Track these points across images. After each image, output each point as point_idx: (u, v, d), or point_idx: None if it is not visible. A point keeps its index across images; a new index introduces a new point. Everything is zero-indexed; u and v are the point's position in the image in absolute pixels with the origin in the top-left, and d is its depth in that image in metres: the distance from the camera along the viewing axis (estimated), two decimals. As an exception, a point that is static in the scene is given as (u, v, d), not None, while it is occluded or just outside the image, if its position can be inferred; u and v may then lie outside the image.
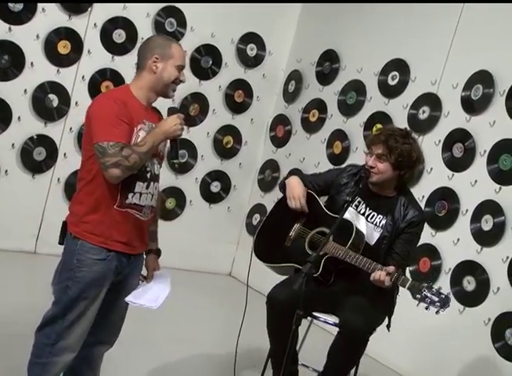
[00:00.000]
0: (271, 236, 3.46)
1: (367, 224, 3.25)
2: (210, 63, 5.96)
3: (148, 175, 2.69)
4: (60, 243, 2.72)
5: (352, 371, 3.32)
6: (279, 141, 6.21)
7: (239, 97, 6.16)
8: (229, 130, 6.18)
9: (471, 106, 4.60)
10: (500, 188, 4.32)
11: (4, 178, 5.26)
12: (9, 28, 5.07)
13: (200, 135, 6.03)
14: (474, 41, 4.66)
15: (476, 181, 4.47)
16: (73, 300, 2.63)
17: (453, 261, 4.50)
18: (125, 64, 5.36)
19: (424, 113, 4.92)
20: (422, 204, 4.61)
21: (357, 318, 3.05)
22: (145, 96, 2.72)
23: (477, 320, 4.28)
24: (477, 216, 4.41)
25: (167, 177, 5.56)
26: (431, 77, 4.89)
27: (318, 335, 3.77)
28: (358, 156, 4.91)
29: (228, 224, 6.32)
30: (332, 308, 3.25)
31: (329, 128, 5.70)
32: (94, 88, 5.36)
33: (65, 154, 5.40)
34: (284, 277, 3.40)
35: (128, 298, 2.78)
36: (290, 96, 6.19)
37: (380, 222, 3.24)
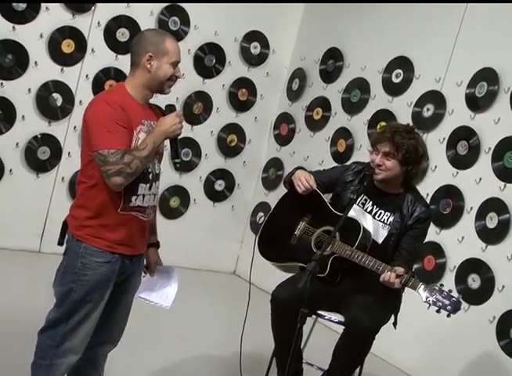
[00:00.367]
0: (275, 233, 3.43)
1: (374, 222, 3.24)
2: (214, 61, 5.95)
3: (150, 176, 2.67)
4: (60, 244, 2.70)
5: (357, 370, 3.32)
6: (283, 139, 6.20)
7: (242, 95, 6.16)
8: (233, 128, 6.18)
9: (476, 104, 4.59)
10: (505, 185, 4.31)
11: (8, 178, 5.27)
12: (13, 27, 5.07)
13: (204, 134, 6.02)
14: (479, 38, 4.64)
15: (481, 178, 4.46)
16: (77, 303, 2.62)
17: (458, 259, 4.49)
18: (129, 63, 5.33)
19: (429, 110, 4.91)
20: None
21: (363, 316, 3.04)
22: (141, 95, 2.66)
23: (482, 318, 4.27)
24: (481, 214, 4.40)
25: (171, 176, 5.57)
26: (435, 75, 4.88)
27: (322, 333, 3.77)
28: (363, 154, 4.90)
29: (233, 222, 6.31)
30: (337, 306, 3.25)
31: (333, 126, 5.69)
32: (98, 86, 5.36)
33: (69, 153, 5.40)
34: (289, 275, 3.40)
35: (141, 295, 2.79)
36: (293, 94, 6.18)
37: (387, 220, 3.23)
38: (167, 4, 5.60)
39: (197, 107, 5.95)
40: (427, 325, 4.53)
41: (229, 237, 6.32)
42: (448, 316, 2.80)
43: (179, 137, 2.68)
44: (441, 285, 2.84)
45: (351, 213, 3.12)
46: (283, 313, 3.15)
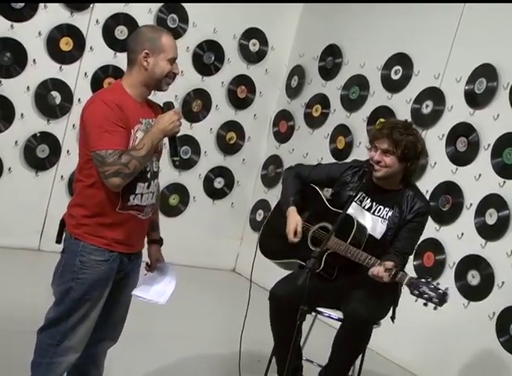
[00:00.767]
0: (274, 232, 3.45)
1: (373, 218, 3.24)
2: (213, 58, 5.95)
3: (148, 174, 2.66)
4: (58, 242, 2.70)
5: (357, 366, 3.33)
6: (282, 136, 6.20)
7: (241, 93, 6.15)
8: (232, 126, 6.17)
9: (475, 100, 4.58)
10: (504, 182, 4.31)
11: (7, 176, 5.27)
12: (11, 25, 5.07)
13: (203, 131, 6.02)
14: (477, 34, 4.64)
15: (480, 175, 4.46)
16: (76, 301, 2.61)
17: (457, 255, 4.49)
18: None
19: (428, 107, 4.90)
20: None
21: (361, 308, 3.06)
22: (138, 92, 2.64)
23: (481, 315, 4.27)
24: (481, 210, 4.40)
25: (170, 173, 5.56)
26: (434, 71, 4.88)
27: (322, 330, 3.77)
28: (362, 151, 4.89)
29: (232, 220, 6.31)
30: (336, 303, 3.25)
31: (332, 123, 5.69)
32: (97, 84, 5.36)
33: (68, 151, 5.40)
34: (287, 273, 3.40)
35: (135, 292, 2.78)
36: (292, 92, 6.18)
37: (386, 215, 3.23)
38: (165, 2, 5.60)
39: (196, 105, 5.95)
40: (427, 321, 4.53)
41: (229, 235, 6.32)
42: (435, 308, 2.82)
43: (178, 135, 2.67)
44: (429, 278, 2.86)
45: (349, 210, 3.12)
46: (281, 310, 3.16)
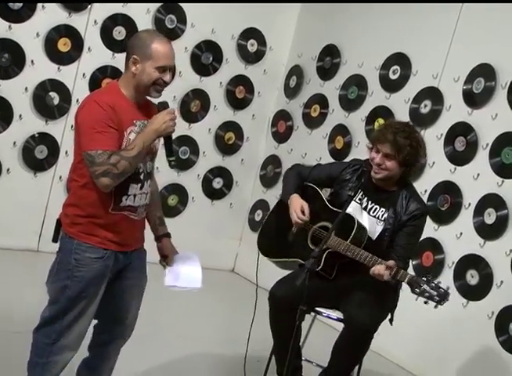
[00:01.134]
0: (274, 231, 3.47)
1: (369, 218, 3.25)
2: (211, 59, 5.95)
3: (141, 176, 2.67)
4: (54, 241, 2.72)
5: (356, 367, 3.33)
6: (281, 137, 6.20)
7: (240, 93, 6.15)
8: (231, 126, 6.17)
9: (473, 100, 4.59)
10: (503, 181, 4.31)
11: (6, 177, 5.26)
12: (9, 26, 5.06)
13: (202, 132, 6.02)
14: (475, 34, 4.64)
15: (478, 174, 4.46)
16: (72, 300, 2.63)
17: (456, 255, 4.50)
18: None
19: (426, 107, 4.90)
20: (425, 198, 4.60)
21: (363, 314, 3.05)
22: (132, 95, 2.65)
23: (480, 314, 4.27)
24: (479, 210, 4.40)
25: (169, 174, 5.56)
26: (433, 71, 4.88)
27: (321, 330, 3.77)
28: (360, 151, 4.90)
29: (231, 220, 6.31)
30: (335, 303, 3.25)
31: (330, 123, 5.69)
32: (95, 85, 5.35)
33: (66, 152, 5.40)
34: (287, 273, 3.40)
35: (167, 283, 2.83)
36: (291, 92, 6.18)
37: (382, 216, 3.24)
38: (163, 2, 5.60)
39: (195, 105, 5.94)
40: (426, 321, 4.54)
41: (228, 235, 6.32)
42: (436, 306, 2.84)
43: (176, 135, 2.67)
44: (430, 277, 2.86)
45: (349, 210, 3.13)
46: (281, 311, 3.16)
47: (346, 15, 5.72)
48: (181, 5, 5.68)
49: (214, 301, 5.25)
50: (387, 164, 3.16)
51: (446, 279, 4.44)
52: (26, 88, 5.20)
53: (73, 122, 2.67)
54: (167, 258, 2.93)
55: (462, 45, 4.74)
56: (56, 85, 5.30)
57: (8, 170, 5.26)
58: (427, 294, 2.81)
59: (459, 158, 4.61)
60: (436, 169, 4.75)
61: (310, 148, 5.82)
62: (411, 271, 4.43)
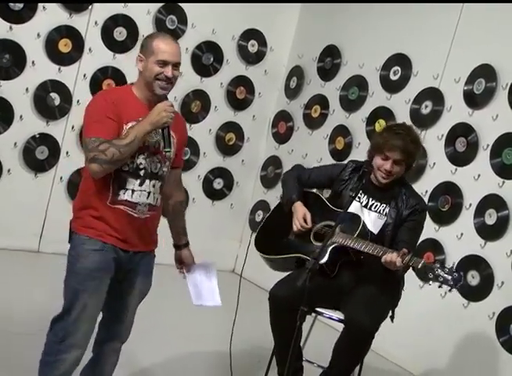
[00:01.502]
0: (273, 230, 3.50)
1: (370, 213, 3.29)
2: (212, 59, 5.95)
3: (142, 172, 2.67)
4: (69, 240, 2.77)
5: (357, 368, 3.33)
6: (282, 137, 6.20)
7: (240, 94, 6.15)
8: (231, 127, 6.17)
9: (474, 100, 4.59)
10: (504, 182, 4.31)
11: (6, 178, 5.26)
12: (10, 27, 5.06)
13: (202, 132, 6.02)
14: (476, 34, 4.64)
15: (479, 175, 4.46)
16: (74, 293, 2.66)
17: (457, 255, 4.49)
18: (127, 62, 5.35)
19: (427, 107, 4.90)
20: (425, 199, 4.60)
21: (363, 315, 3.05)
22: (143, 95, 2.71)
23: (481, 315, 4.27)
24: (480, 210, 4.40)
25: (169, 174, 5.56)
26: (433, 72, 4.88)
27: (322, 331, 3.77)
28: (361, 151, 4.89)
29: (231, 221, 6.31)
30: (336, 303, 3.25)
31: (331, 123, 5.69)
32: (95, 86, 5.36)
33: (67, 153, 5.40)
34: (287, 273, 3.41)
35: (197, 303, 3.00)
36: (291, 92, 6.18)
37: (383, 210, 3.28)
38: (164, 3, 5.60)
39: (195, 106, 5.95)
40: (426, 322, 4.54)
41: (228, 236, 6.32)
42: (450, 290, 2.84)
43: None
44: (443, 262, 2.87)
45: (351, 209, 3.16)
46: (281, 311, 3.16)
47: (346, 15, 5.72)
48: (181, 5, 5.68)
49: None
50: (396, 170, 3.22)
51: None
52: (27, 89, 5.20)
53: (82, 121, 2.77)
54: (184, 265, 3.03)
55: (462, 45, 4.74)
56: (57, 86, 5.30)
57: (8, 171, 5.26)
58: (441, 278, 2.82)
59: (459, 159, 4.61)
60: (437, 170, 4.75)
61: (310, 149, 5.82)
62: (412, 272, 4.43)
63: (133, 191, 2.66)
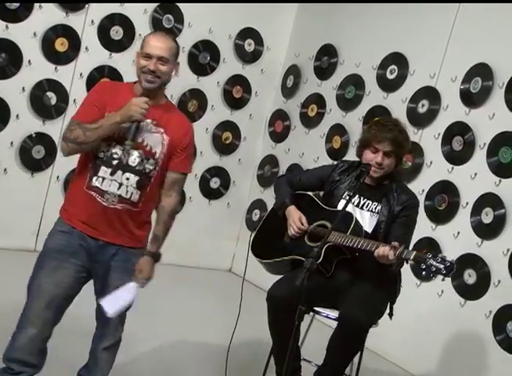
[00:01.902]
0: (268, 234, 3.51)
1: (362, 212, 3.29)
2: (208, 58, 5.95)
3: (115, 162, 2.71)
4: None
5: (355, 366, 3.33)
6: (278, 136, 6.20)
7: (237, 93, 6.15)
8: (228, 126, 6.17)
9: (470, 99, 4.60)
10: (500, 181, 4.32)
11: (3, 177, 5.26)
12: (6, 26, 5.05)
13: (199, 132, 6.00)
14: (473, 33, 4.65)
15: (476, 174, 4.47)
16: (35, 268, 2.79)
17: (454, 254, 4.47)
18: (123, 61, 5.35)
19: (423, 106, 4.91)
20: (422, 198, 4.62)
21: (357, 310, 3.06)
22: (139, 91, 2.77)
23: (478, 313, 4.28)
24: (477, 209, 4.41)
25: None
26: (430, 71, 4.89)
27: (320, 330, 3.77)
28: (358, 150, 4.90)
29: (228, 220, 6.31)
30: (334, 302, 3.26)
31: (328, 122, 5.69)
32: (92, 85, 5.26)
33: (64, 152, 5.39)
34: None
35: (109, 311, 2.74)
36: (288, 91, 6.18)
37: (375, 208, 3.28)
38: (160, 2, 5.60)
39: (192, 105, 5.94)
40: (423, 320, 4.54)
41: (225, 235, 6.32)
42: (443, 279, 2.85)
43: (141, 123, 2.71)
44: (434, 253, 2.87)
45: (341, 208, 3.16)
46: (279, 311, 3.16)
47: (343, 15, 5.72)
48: (178, 4, 5.68)
49: (212, 301, 5.25)
50: (386, 163, 3.21)
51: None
52: (23, 88, 5.20)
53: None
54: (134, 274, 2.79)
55: (459, 44, 4.75)
56: (53, 85, 5.30)
57: (5, 170, 5.25)
58: (433, 268, 2.82)
59: (456, 158, 4.62)
60: (433, 169, 4.75)
61: (307, 148, 5.82)
62: (408, 270, 4.44)
63: (103, 179, 2.72)
